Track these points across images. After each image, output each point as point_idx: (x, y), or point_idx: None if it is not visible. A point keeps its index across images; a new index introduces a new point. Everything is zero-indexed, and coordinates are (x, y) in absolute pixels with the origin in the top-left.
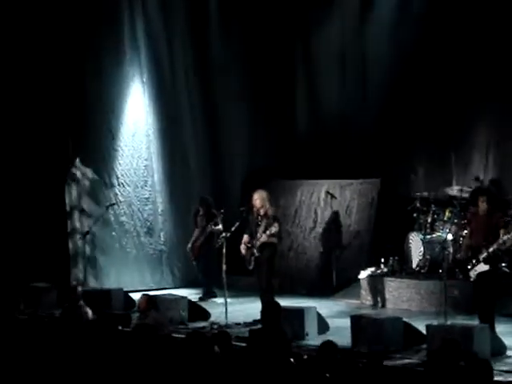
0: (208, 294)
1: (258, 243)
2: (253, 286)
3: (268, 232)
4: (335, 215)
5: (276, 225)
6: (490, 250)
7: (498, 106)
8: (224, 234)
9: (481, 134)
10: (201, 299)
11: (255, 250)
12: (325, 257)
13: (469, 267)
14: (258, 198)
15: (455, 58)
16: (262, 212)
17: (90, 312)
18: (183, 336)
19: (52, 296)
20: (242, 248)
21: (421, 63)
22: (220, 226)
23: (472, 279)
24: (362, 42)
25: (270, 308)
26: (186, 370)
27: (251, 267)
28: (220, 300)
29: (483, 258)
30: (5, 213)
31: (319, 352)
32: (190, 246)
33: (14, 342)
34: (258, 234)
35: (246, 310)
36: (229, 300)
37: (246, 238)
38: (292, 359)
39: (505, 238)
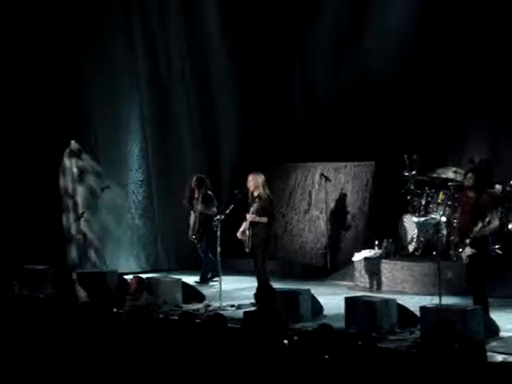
0: (209, 277)
1: (247, 223)
2: (249, 268)
3: (251, 210)
4: (329, 198)
5: (259, 202)
6: (473, 233)
7: (496, 89)
8: (218, 217)
9: (478, 116)
10: (198, 282)
11: (247, 231)
12: (319, 239)
13: (460, 250)
14: (252, 181)
15: (452, 40)
16: (255, 194)
17: (84, 294)
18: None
19: (47, 278)
20: (239, 231)
21: (417, 46)
22: (214, 209)
23: (463, 262)
24: (358, 24)
25: (263, 289)
26: (181, 351)
27: (248, 249)
28: (215, 282)
29: (469, 242)
30: (1, 195)
31: (315, 335)
32: (190, 233)
33: (8, 323)
34: (247, 215)
35: (241, 292)
36: (224, 282)
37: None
38: (286, 341)
39: (479, 225)
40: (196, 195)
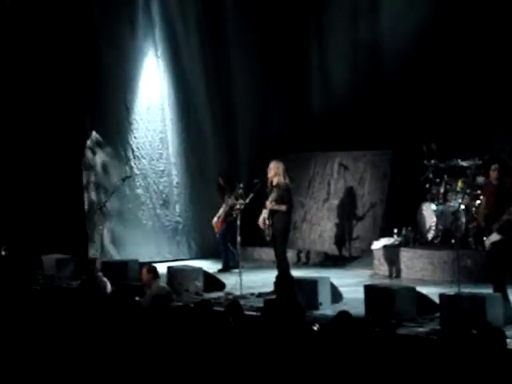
0: (229, 266)
1: (266, 212)
2: (269, 257)
3: (270, 198)
4: (349, 186)
5: (278, 190)
6: (502, 219)
7: None
8: (238, 206)
9: (498, 104)
10: (220, 271)
11: (266, 220)
12: (338, 228)
13: (484, 238)
14: (272, 168)
15: (472, 25)
16: (274, 182)
17: (108, 284)
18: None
19: (69, 267)
20: (260, 219)
21: (435, 35)
22: (241, 200)
23: (486, 249)
24: (376, 15)
25: (282, 278)
26: (199, 339)
27: (268, 238)
28: (236, 271)
29: (496, 228)
30: (24, 186)
31: (334, 322)
32: (215, 219)
33: (30, 313)
34: (267, 203)
35: (261, 280)
36: (244, 271)
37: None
38: (308, 328)
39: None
40: (222, 187)
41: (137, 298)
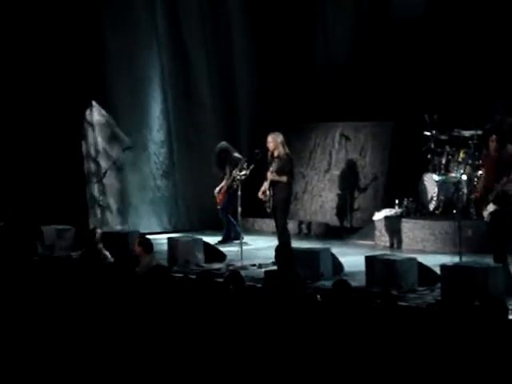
0: (230, 238)
1: (267, 183)
2: (270, 228)
3: (271, 169)
4: (350, 157)
5: (278, 161)
6: (497, 189)
7: None
8: (239, 177)
9: (500, 74)
10: (220, 242)
11: (267, 191)
12: (340, 199)
13: (483, 208)
14: (272, 141)
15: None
16: (275, 154)
17: (108, 255)
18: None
19: (69, 238)
20: (261, 191)
21: (437, 5)
22: (244, 172)
23: (485, 219)
24: None
25: (282, 249)
26: (200, 308)
27: (269, 209)
28: (237, 242)
29: (490, 199)
30: (23, 156)
31: (332, 291)
32: (217, 190)
33: (30, 283)
34: (268, 174)
35: (262, 251)
36: (245, 242)
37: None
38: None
39: (504, 180)
40: (227, 162)
41: (137, 269)
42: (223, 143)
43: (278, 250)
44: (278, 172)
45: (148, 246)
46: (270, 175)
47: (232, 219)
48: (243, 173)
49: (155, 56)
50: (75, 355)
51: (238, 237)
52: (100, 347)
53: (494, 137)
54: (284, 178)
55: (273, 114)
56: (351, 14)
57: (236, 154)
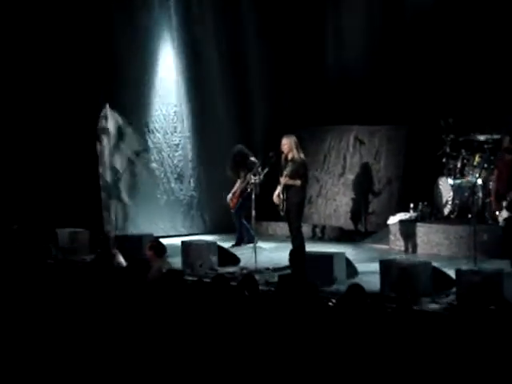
0: (243, 241)
1: (280, 187)
2: (284, 232)
3: (284, 173)
4: (364, 161)
5: (292, 165)
6: (511, 195)
7: None
8: (253, 181)
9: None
10: (233, 246)
11: (281, 194)
12: (354, 203)
13: (497, 213)
14: (286, 143)
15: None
16: (289, 157)
17: (122, 260)
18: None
19: (84, 241)
20: (275, 194)
21: (455, 7)
22: (259, 176)
23: (500, 224)
24: None
25: (295, 254)
26: (215, 312)
27: (283, 213)
28: (251, 245)
29: (505, 205)
30: (39, 160)
31: (346, 295)
32: (230, 195)
33: (44, 286)
34: (281, 178)
35: (276, 255)
36: (259, 245)
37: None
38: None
39: None
40: (242, 165)
41: None
42: (239, 146)
43: (291, 254)
44: (292, 176)
45: (159, 249)
46: (283, 179)
47: (245, 222)
48: (257, 177)
49: (168, 57)
50: (87, 359)
51: (252, 240)
52: (112, 352)
53: (507, 138)
54: (298, 182)
55: (287, 116)
56: (365, 16)
57: (252, 158)
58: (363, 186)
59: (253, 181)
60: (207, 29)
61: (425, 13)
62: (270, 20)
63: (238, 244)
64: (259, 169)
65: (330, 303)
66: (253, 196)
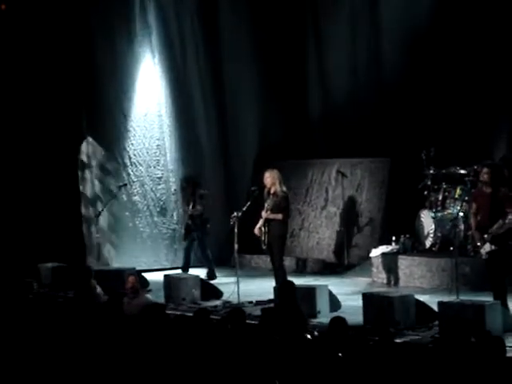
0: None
1: (262, 220)
2: (266, 265)
3: (266, 206)
4: (346, 194)
5: (274, 199)
6: (493, 230)
7: None
8: (236, 214)
9: (497, 111)
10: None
11: (262, 227)
12: (337, 235)
13: (478, 245)
14: (269, 177)
15: (467, 35)
16: (272, 190)
17: (102, 293)
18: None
19: (66, 276)
20: (256, 227)
21: (433, 43)
22: (198, 207)
23: (483, 257)
24: (374, 24)
25: (285, 287)
26: (197, 347)
27: (264, 246)
28: (233, 279)
29: (489, 239)
30: (19, 194)
31: (329, 328)
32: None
33: (26, 321)
34: (263, 212)
35: (258, 288)
36: (241, 279)
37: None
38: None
39: (501, 222)
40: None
41: None
42: (191, 176)
43: (281, 286)
44: (274, 210)
45: (140, 283)
46: (264, 214)
47: (206, 257)
48: (199, 209)
49: (153, 92)
50: None
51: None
52: None
53: (485, 169)
54: (279, 216)
55: (270, 150)
56: (347, 54)
57: (200, 191)
58: (345, 218)
59: (235, 214)
60: (190, 62)
61: (403, 47)
62: (255, 54)
63: (210, 277)
64: (198, 201)
65: (310, 336)
66: (235, 230)
